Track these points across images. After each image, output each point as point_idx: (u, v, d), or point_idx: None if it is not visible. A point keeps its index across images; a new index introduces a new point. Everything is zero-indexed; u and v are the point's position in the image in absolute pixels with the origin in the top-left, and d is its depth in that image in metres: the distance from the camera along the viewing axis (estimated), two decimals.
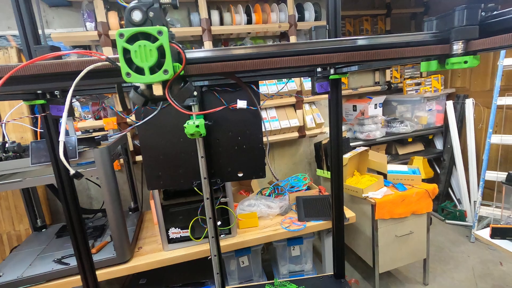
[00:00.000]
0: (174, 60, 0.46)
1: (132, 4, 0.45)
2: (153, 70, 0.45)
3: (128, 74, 0.44)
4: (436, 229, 3.10)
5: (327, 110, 2.93)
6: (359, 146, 2.76)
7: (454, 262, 2.58)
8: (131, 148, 2.29)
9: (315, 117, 2.64)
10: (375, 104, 3.15)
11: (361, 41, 0.46)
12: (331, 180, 1.16)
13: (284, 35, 2.58)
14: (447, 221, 3.20)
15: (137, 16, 0.45)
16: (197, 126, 0.74)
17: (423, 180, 2.28)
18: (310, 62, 0.45)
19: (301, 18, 2.54)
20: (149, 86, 0.48)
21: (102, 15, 2.04)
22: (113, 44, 2.15)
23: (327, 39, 0.47)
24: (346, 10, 3.32)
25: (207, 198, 0.96)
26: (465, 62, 0.44)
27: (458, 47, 0.45)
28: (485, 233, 1.69)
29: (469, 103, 3.08)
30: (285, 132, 2.58)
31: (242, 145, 0.97)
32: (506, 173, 2.55)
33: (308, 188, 2.28)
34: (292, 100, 2.56)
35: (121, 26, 2.10)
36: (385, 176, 2.33)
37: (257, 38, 2.63)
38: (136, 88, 0.49)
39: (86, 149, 1.49)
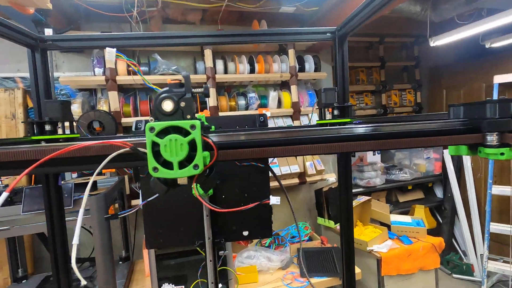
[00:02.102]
0: (203, 149, 0.44)
1: (164, 94, 0.44)
2: (182, 164, 0.42)
3: (155, 168, 0.41)
4: (445, 285, 2.92)
5: (327, 157, 2.93)
6: (360, 194, 2.72)
7: None
8: (127, 191, 2.21)
9: (315, 164, 2.63)
10: (373, 151, 3.18)
11: (398, 127, 0.46)
12: (341, 244, 1.10)
13: (285, 84, 2.68)
14: (454, 275, 3.04)
15: (168, 106, 0.44)
16: None
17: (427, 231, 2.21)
18: (338, 150, 0.44)
19: (302, 69, 2.66)
20: None
21: (112, 61, 2.12)
22: (119, 89, 2.20)
23: (357, 126, 0.47)
24: None
25: (210, 260, 0.89)
26: (502, 154, 0.44)
27: (492, 138, 0.45)
28: None
29: None
30: (286, 178, 2.55)
31: (248, 202, 0.93)
32: (510, 226, 2.49)
33: (310, 239, 2.18)
34: None
35: (129, 72, 2.17)
36: (388, 227, 2.26)
37: (259, 86, 2.73)
38: None
39: (82, 197, 1.42)
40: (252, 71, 2.50)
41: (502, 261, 2.71)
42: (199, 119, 0.42)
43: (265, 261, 1.88)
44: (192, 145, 0.42)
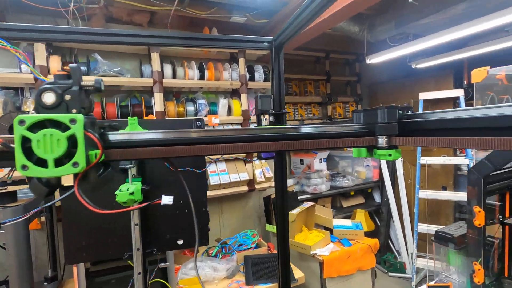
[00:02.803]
0: (91, 146, 0.40)
1: (44, 85, 0.40)
2: (61, 161, 0.38)
3: (24, 166, 0.36)
4: (381, 283, 3.15)
5: None
6: (307, 200, 2.83)
7: None
8: (58, 203, 1.99)
9: (264, 171, 2.68)
10: (320, 159, 3.35)
11: (305, 129, 0.48)
12: (278, 249, 1.12)
13: (235, 92, 2.70)
14: (389, 273, 3.30)
15: (49, 98, 0.39)
16: (132, 193, 0.67)
17: (365, 233, 2.38)
18: (243, 150, 0.45)
19: (252, 78, 2.71)
20: None
21: (43, 58, 1.92)
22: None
23: (264, 127, 0.49)
24: (293, 73, 3.68)
25: (139, 273, 0.84)
26: (389, 155, 0.50)
27: (382, 141, 0.51)
28: None
29: (398, 161, 3.45)
30: (235, 186, 2.54)
31: (184, 209, 0.90)
32: (435, 226, 2.81)
33: (257, 246, 2.19)
34: (242, 153, 2.59)
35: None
36: (331, 231, 2.37)
37: (209, 93, 2.71)
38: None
39: None
40: (202, 77, 2.48)
41: (428, 258, 3.03)
42: (91, 116, 0.39)
43: (210, 271, 1.83)
44: (74, 142, 0.38)
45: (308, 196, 3.13)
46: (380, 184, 3.68)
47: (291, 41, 2.78)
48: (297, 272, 1.90)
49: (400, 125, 0.51)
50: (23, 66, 1.94)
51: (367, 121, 0.55)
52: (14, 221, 0.70)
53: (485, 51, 2.68)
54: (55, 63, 1.98)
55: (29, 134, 0.37)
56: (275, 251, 2.17)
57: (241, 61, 2.60)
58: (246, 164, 2.61)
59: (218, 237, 2.49)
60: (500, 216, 1.60)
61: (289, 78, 3.69)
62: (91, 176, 0.41)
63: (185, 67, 2.40)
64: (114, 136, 0.43)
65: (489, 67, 1.50)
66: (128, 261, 0.89)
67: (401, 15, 2.44)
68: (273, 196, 2.62)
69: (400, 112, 0.52)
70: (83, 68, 2.10)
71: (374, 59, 2.82)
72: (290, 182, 3.20)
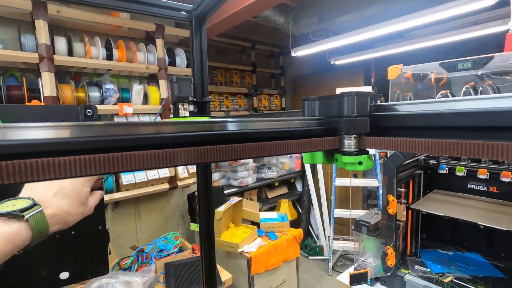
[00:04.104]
0: None
1: None
2: None
3: None
4: (303, 267, 3.34)
5: None
6: (234, 193, 2.74)
7: None
8: None
9: (188, 166, 2.45)
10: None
11: (239, 125, 0.31)
12: (201, 254, 0.96)
13: (153, 78, 2.37)
14: (310, 257, 3.52)
15: None
16: None
17: (290, 223, 2.42)
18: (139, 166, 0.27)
19: (172, 63, 2.42)
20: None
21: None
22: None
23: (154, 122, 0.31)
24: (217, 62, 3.49)
25: None
26: (360, 163, 0.38)
27: (350, 143, 0.38)
28: (345, 278, 1.82)
29: None
30: (154, 184, 2.25)
31: (70, 231, 0.65)
32: (348, 210, 3.08)
33: (180, 250, 1.98)
34: None
35: None
36: (258, 225, 2.33)
37: (120, 77, 2.30)
38: None
39: None
40: (110, 57, 2.07)
41: (342, 239, 3.33)
42: None
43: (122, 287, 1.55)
44: None
45: (235, 189, 3.04)
46: (302, 174, 3.87)
47: (216, 26, 2.57)
48: (224, 274, 1.79)
49: (371, 121, 0.38)
50: None
51: (324, 114, 0.41)
52: None
53: (387, 53, 3.02)
54: None
55: None
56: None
57: (159, 42, 2.28)
58: None
59: (134, 244, 2.17)
60: (405, 201, 1.80)
61: (214, 67, 3.49)
62: None
63: (86, 42, 1.96)
64: None
65: (402, 65, 1.63)
66: None
67: (323, 11, 2.52)
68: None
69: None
70: None
71: (299, 52, 2.88)
72: (216, 176, 3.05)
